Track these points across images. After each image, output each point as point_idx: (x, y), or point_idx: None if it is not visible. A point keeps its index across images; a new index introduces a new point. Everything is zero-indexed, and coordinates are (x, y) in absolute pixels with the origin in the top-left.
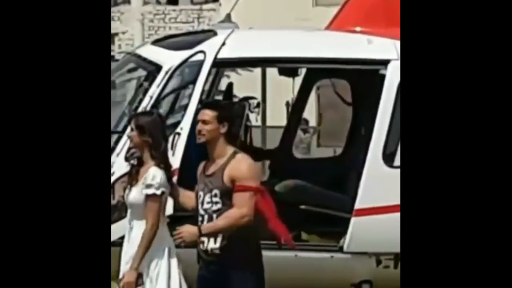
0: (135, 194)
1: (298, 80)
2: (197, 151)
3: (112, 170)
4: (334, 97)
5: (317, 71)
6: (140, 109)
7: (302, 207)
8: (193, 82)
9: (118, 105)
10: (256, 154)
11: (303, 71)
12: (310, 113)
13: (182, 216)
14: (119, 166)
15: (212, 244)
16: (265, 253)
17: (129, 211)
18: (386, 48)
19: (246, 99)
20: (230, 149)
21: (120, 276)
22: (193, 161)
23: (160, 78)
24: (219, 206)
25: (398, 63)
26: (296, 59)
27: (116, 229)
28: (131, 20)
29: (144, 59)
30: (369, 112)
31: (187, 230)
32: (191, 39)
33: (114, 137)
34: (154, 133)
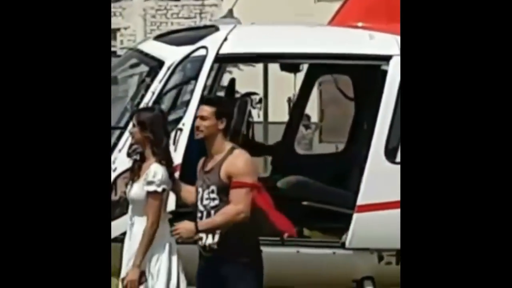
0: (137, 190)
1: (300, 75)
2: (199, 147)
3: (114, 166)
4: (336, 93)
5: (319, 66)
6: (142, 105)
7: (304, 203)
8: (195, 77)
9: (120, 100)
10: (258, 149)
11: (305, 67)
12: (312, 109)
13: (184, 212)
14: (121, 161)
15: (210, 240)
16: (267, 249)
17: (130, 207)
18: (388, 44)
19: (248, 94)
20: (228, 145)
21: (122, 272)
22: (195, 156)
23: (162, 73)
24: (216, 202)
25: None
26: (298, 55)
27: (118, 225)
28: (133, 16)
29: (146, 55)
30: (371, 108)
31: (184, 226)
32: (193, 34)
33: (116, 133)
34: (155, 130)
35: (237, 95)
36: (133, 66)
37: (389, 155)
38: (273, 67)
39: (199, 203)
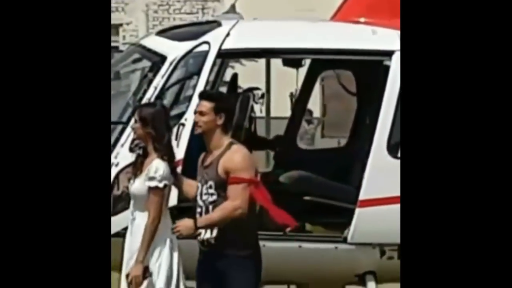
0: (138, 185)
1: (303, 71)
2: (201, 142)
3: (117, 160)
4: (339, 88)
5: (322, 62)
6: (144, 100)
7: (306, 198)
8: (198, 73)
9: (122, 95)
10: (261, 143)
11: (307, 62)
12: (314, 104)
13: (186, 206)
14: (123, 156)
15: (208, 235)
16: (270, 244)
17: (132, 202)
18: (391, 39)
19: (251, 90)
20: (227, 140)
21: (123, 267)
22: (197, 151)
23: (164, 69)
24: (214, 197)
25: None
26: (300, 50)
27: (120, 220)
28: (136, 11)
29: (149, 50)
30: (374, 103)
31: (183, 224)
32: (196, 30)
33: (118, 128)
34: (157, 125)
35: (240, 90)
36: (135, 61)
37: (391, 150)
38: (276, 63)
39: (198, 198)
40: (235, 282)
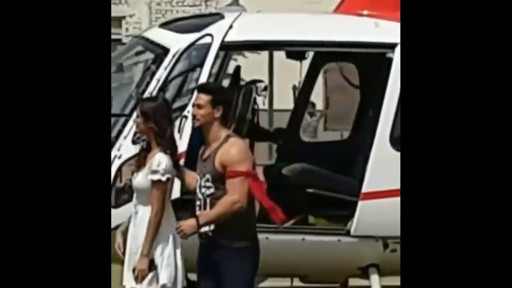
0: (140, 179)
1: (306, 63)
2: (203, 134)
3: (120, 152)
4: (341, 81)
5: (325, 54)
6: (147, 92)
7: (309, 190)
8: (201, 65)
9: (125, 87)
10: (263, 135)
11: (310, 55)
12: (317, 96)
13: (189, 199)
14: (126, 149)
15: (206, 228)
16: (273, 237)
17: (134, 195)
18: (393, 32)
19: (254, 82)
20: (224, 133)
21: (126, 260)
22: (200, 144)
23: (167, 61)
24: (212, 190)
25: None
26: (303, 43)
27: (123, 212)
28: (139, 3)
29: (152, 42)
30: (376, 96)
31: (187, 223)
32: (199, 22)
33: (121, 120)
34: (158, 120)
35: (242, 83)
36: (138, 53)
37: (394, 142)
38: (279, 55)
39: (198, 190)
40: (230, 273)
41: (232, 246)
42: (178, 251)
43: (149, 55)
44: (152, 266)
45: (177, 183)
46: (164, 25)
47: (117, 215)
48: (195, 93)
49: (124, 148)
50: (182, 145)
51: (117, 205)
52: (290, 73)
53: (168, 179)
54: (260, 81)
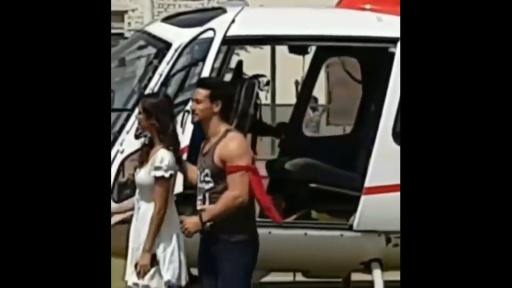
0: (143, 175)
1: (308, 58)
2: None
3: (122, 147)
4: (344, 75)
5: (327, 49)
6: (149, 87)
7: (312, 185)
8: (203, 59)
9: (127, 82)
10: (266, 131)
11: (313, 49)
12: (319, 91)
13: (191, 193)
14: (129, 143)
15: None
16: (275, 231)
17: (137, 191)
18: (396, 26)
19: (256, 77)
20: (223, 128)
21: (129, 255)
22: (202, 138)
23: (169, 55)
24: (211, 185)
25: None
26: (306, 37)
27: (125, 207)
28: None
29: (154, 37)
30: (379, 90)
31: (190, 221)
32: (201, 16)
33: (124, 115)
34: (160, 116)
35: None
36: (140, 48)
37: (397, 137)
38: (281, 49)
39: (198, 185)
40: (227, 266)
41: (229, 239)
42: (182, 247)
43: (151, 50)
44: (154, 261)
45: (179, 178)
46: (166, 20)
47: (120, 209)
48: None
49: (126, 143)
50: (185, 139)
51: (119, 200)
52: (293, 67)
53: (171, 175)
54: (263, 75)
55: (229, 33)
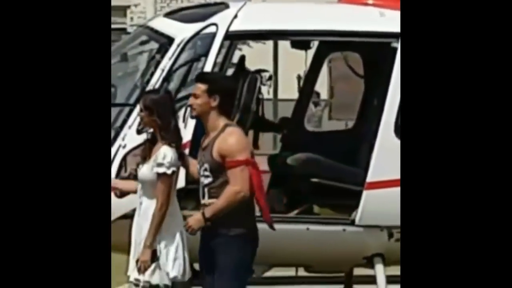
0: (145, 171)
1: (311, 53)
2: None
3: (124, 142)
4: (346, 70)
5: (329, 44)
6: (152, 82)
7: (314, 180)
8: (205, 54)
9: (130, 77)
10: (268, 126)
11: (315, 44)
12: (322, 86)
13: (193, 188)
14: (131, 138)
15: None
16: (277, 226)
17: (139, 187)
18: (398, 21)
19: (258, 71)
20: (222, 122)
21: (132, 250)
22: (203, 133)
23: (172, 50)
24: (210, 179)
25: None
26: (308, 32)
27: (127, 202)
28: None
29: (156, 32)
30: (381, 85)
31: (193, 218)
32: (203, 11)
33: (126, 110)
34: (162, 113)
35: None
36: (143, 43)
37: (399, 132)
38: (283, 44)
39: (199, 179)
40: (223, 259)
41: (229, 233)
42: (185, 243)
43: (153, 45)
44: (154, 257)
45: (181, 173)
46: (169, 15)
47: (122, 205)
48: None
49: (128, 138)
50: (187, 134)
51: (121, 195)
52: (295, 62)
53: (173, 172)
54: (265, 70)
55: (232, 28)
